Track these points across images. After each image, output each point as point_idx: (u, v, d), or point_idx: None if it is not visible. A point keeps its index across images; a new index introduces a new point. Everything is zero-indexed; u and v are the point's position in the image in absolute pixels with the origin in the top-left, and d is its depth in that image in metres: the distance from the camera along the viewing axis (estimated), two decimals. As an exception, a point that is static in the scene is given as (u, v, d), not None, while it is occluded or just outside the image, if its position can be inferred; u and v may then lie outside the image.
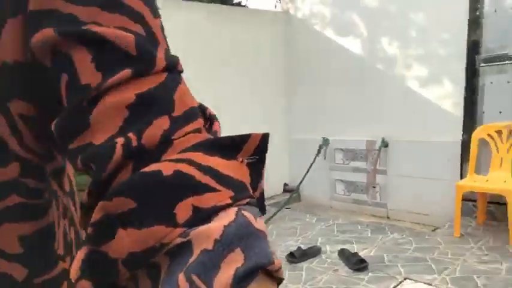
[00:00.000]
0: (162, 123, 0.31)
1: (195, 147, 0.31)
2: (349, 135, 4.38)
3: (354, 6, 4.27)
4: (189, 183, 0.29)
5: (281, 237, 3.67)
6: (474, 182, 3.22)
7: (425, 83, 3.78)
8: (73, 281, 0.30)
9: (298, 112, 4.91)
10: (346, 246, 3.18)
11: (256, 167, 0.33)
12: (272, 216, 4.16)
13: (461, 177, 3.50)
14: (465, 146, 3.51)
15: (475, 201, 3.42)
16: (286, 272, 2.91)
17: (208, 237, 0.27)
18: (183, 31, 4.12)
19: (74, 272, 0.30)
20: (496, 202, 3.35)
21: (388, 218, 4.06)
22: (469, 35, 3.45)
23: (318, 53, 4.62)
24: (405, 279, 2.61)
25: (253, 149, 0.33)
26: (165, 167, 0.29)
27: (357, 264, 2.82)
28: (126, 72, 0.31)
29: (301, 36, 4.81)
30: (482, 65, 3.42)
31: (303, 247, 3.19)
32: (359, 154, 4.31)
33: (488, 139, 3.35)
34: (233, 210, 0.29)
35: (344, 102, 4.39)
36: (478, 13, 3.40)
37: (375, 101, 4.13)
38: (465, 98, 3.52)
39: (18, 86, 0.36)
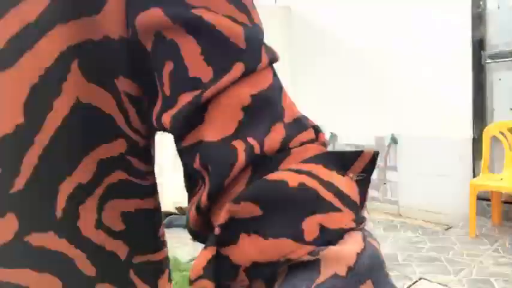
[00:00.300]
0: (279, 130, 0.31)
1: (316, 160, 0.30)
2: (358, 131, 4.33)
3: (357, 2, 4.22)
4: (314, 198, 0.28)
5: (292, 231, 3.65)
6: (488, 181, 3.18)
7: (432, 79, 3.73)
8: (192, 279, 0.29)
9: (305, 108, 4.81)
10: (359, 243, 3.15)
11: (363, 185, 0.32)
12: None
13: (474, 175, 3.45)
14: (476, 143, 3.47)
15: (488, 200, 3.38)
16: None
17: (339, 262, 0.26)
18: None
19: (197, 270, 0.29)
20: (511, 202, 3.31)
21: (399, 215, 4.02)
22: (473, 32, 3.43)
23: (322, 48, 4.57)
24: (420, 279, 2.59)
25: (363, 167, 0.31)
26: (290, 178, 0.28)
27: (371, 262, 2.80)
28: (239, 67, 0.30)
29: (303, 31, 4.78)
30: (488, 61, 3.40)
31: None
32: (369, 150, 4.27)
33: (500, 137, 3.30)
34: (360, 236, 0.28)
35: (351, 97, 4.35)
36: (480, 10, 3.38)
37: (382, 97, 4.08)
38: (473, 95, 3.49)
39: (123, 63, 0.34)
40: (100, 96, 0.35)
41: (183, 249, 3.33)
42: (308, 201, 0.28)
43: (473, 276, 2.56)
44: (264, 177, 0.28)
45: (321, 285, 0.25)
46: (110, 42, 0.33)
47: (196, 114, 0.31)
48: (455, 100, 3.59)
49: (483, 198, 3.38)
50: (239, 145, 0.30)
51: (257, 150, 0.30)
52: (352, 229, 0.28)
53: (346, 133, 4.44)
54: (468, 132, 3.53)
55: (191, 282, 0.30)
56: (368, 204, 3.64)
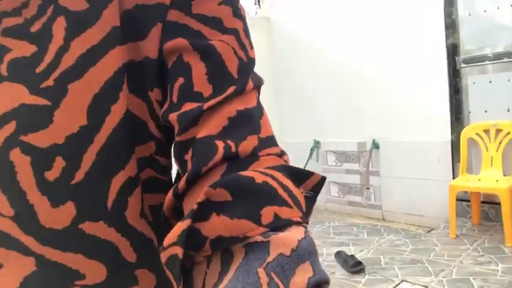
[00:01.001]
0: (253, 140, 0.39)
1: (278, 168, 0.37)
2: (340, 137, 4.39)
3: (333, 12, 4.32)
4: (273, 194, 0.35)
5: (277, 240, 3.66)
6: (467, 182, 3.24)
7: (410, 84, 3.81)
8: (165, 245, 0.35)
9: (288, 116, 4.94)
10: (343, 249, 3.18)
11: (310, 202, 0.39)
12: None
13: (454, 177, 3.52)
14: (455, 146, 3.55)
15: (468, 201, 3.44)
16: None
17: (285, 245, 0.32)
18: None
19: (172, 237, 0.34)
20: (489, 202, 3.38)
21: (383, 219, 4.07)
22: (447, 38, 3.53)
23: (303, 57, 4.65)
24: (402, 281, 2.62)
25: (311, 186, 0.39)
26: (256, 176, 0.35)
27: (354, 266, 2.83)
28: (231, 89, 0.40)
29: (283, 41, 4.87)
30: (463, 66, 3.49)
31: (300, 250, 3.19)
32: (351, 156, 4.32)
33: (477, 138, 3.38)
34: (302, 229, 0.35)
35: (332, 104, 4.42)
36: (453, 17, 3.49)
37: (363, 103, 4.16)
38: (450, 99, 3.58)
39: (157, 77, 0.43)
40: (137, 105, 0.43)
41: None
42: (268, 195, 0.35)
43: (453, 276, 2.61)
44: (237, 173, 0.36)
45: (271, 263, 0.31)
46: (148, 62, 0.42)
47: (195, 118, 0.39)
48: (433, 104, 3.67)
49: (463, 199, 3.44)
50: (220, 144, 0.38)
51: (233, 149, 0.38)
52: (298, 223, 0.35)
53: (329, 139, 4.49)
54: (447, 135, 3.60)
55: (163, 248, 0.35)
56: (352, 209, 3.72)
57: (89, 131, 0.41)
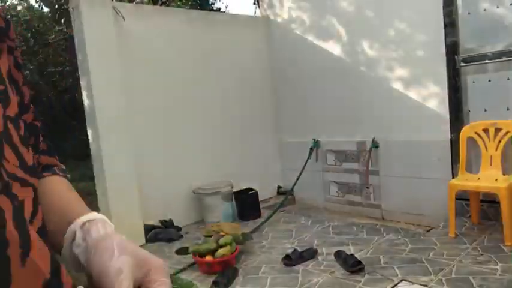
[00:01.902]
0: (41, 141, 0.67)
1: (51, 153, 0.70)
2: (340, 136, 4.39)
3: (332, 11, 4.33)
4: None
5: (277, 239, 3.67)
6: (466, 181, 3.24)
7: (409, 84, 3.82)
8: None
9: (287, 115, 4.94)
10: (342, 248, 3.18)
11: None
12: (267, 219, 4.15)
13: (453, 176, 3.52)
14: (454, 145, 3.55)
15: (468, 200, 3.44)
16: (283, 274, 2.91)
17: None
18: (165, 37, 4.11)
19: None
20: (489, 201, 3.38)
21: (382, 218, 4.07)
22: (446, 37, 3.53)
23: (301, 57, 4.66)
24: (401, 280, 2.62)
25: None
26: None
27: (353, 266, 2.83)
28: (28, 101, 0.63)
29: (282, 41, 4.88)
30: (462, 64, 3.49)
31: (299, 249, 3.19)
32: (350, 155, 4.32)
33: (476, 137, 3.38)
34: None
35: (332, 103, 4.42)
36: (453, 16, 3.48)
37: (362, 103, 4.17)
38: (449, 98, 3.58)
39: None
40: None
41: (165, 263, 3.31)
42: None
43: (453, 275, 2.61)
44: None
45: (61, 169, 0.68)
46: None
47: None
48: (432, 103, 3.68)
49: (462, 198, 3.44)
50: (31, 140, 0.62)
51: (40, 146, 0.66)
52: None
53: (329, 139, 4.49)
54: (446, 134, 3.60)
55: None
56: (352, 209, 3.72)
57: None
